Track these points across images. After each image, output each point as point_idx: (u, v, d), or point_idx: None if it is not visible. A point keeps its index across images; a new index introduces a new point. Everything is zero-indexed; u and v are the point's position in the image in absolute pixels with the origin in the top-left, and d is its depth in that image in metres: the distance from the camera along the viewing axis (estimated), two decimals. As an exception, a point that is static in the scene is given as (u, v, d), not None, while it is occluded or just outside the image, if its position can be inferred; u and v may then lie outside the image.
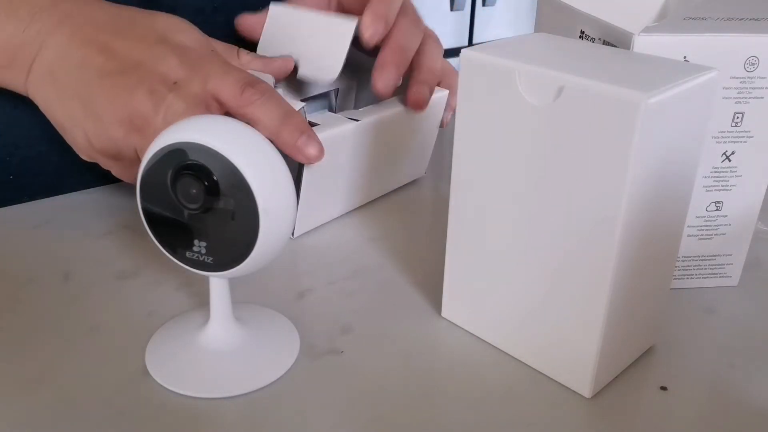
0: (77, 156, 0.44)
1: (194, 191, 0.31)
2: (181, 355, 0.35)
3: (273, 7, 0.51)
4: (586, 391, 0.33)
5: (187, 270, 0.33)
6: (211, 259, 0.32)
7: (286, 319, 0.38)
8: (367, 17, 0.48)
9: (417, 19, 0.52)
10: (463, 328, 0.38)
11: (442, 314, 0.39)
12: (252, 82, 0.41)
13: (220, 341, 0.35)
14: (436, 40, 0.53)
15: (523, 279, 0.34)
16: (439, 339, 0.38)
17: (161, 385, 0.33)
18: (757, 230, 0.48)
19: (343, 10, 0.54)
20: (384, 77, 0.48)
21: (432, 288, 0.42)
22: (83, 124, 0.41)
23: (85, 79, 0.41)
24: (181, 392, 0.33)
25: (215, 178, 0.30)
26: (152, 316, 0.38)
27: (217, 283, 0.34)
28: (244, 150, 0.31)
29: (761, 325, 0.39)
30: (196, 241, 0.32)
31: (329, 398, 0.33)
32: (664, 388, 0.34)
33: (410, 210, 0.52)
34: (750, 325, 0.39)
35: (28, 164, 0.51)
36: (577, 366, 0.33)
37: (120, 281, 0.41)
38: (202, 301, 0.40)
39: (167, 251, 0.33)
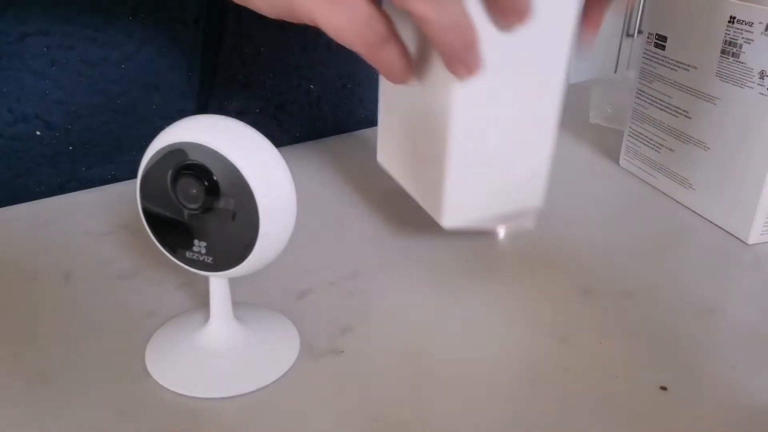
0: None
1: (194, 191, 0.31)
2: (181, 355, 0.35)
3: None
4: (442, 219, 0.37)
5: (187, 270, 0.33)
6: (211, 259, 0.32)
7: (286, 319, 0.38)
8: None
9: None
10: (462, 327, 0.38)
11: (378, 159, 0.43)
12: None
13: (220, 341, 0.35)
14: None
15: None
16: (439, 339, 0.38)
17: (161, 385, 0.33)
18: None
19: None
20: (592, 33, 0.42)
21: (433, 287, 0.42)
22: None
23: None
24: (181, 392, 0.33)
25: (215, 178, 0.30)
26: (152, 316, 0.38)
27: (217, 283, 0.34)
28: (244, 150, 0.30)
29: (761, 325, 0.39)
30: (196, 241, 0.32)
31: (329, 398, 0.33)
32: (664, 388, 0.35)
33: (410, 210, 0.52)
34: (750, 325, 0.39)
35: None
36: (436, 192, 0.36)
37: (120, 281, 0.41)
38: (202, 301, 0.40)
39: (167, 251, 0.33)
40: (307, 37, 0.61)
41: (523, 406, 0.33)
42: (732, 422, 0.33)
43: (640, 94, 0.57)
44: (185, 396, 0.33)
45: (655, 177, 0.56)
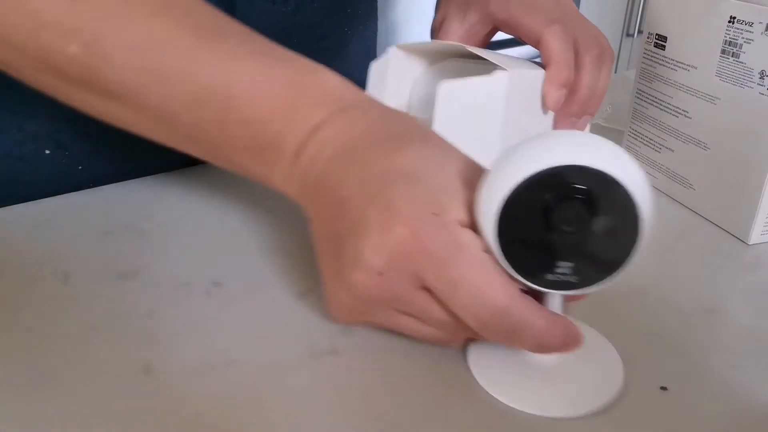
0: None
1: (574, 214, 0.30)
2: (508, 366, 0.34)
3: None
4: None
5: (539, 289, 0.32)
6: (576, 278, 0.31)
7: (608, 342, 0.37)
8: (550, 86, 0.47)
9: (600, 53, 0.49)
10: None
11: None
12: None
13: (546, 357, 0.34)
14: (612, 60, 0.50)
15: None
16: (439, 339, 0.38)
17: (487, 393, 0.33)
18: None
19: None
20: (568, 127, 0.49)
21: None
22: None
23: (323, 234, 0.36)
24: (508, 403, 0.33)
25: (599, 198, 0.29)
26: (152, 316, 0.38)
27: (555, 299, 0.33)
28: (625, 167, 0.30)
29: (761, 326, 0.39)
30: (561, 263, 0.31)
31: (329, 398, 0.33)
32: (664, 388, 0.34)
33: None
34: (750, 326, 0.39)
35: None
36: None
37: (120, 281, 0.41)
38: (202, 301, 0.40)
39: (521, 276, 0.31)
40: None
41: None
42: (732, 422, 0.33)
43: (640, 94, 0.57)
44: (515, 409, 0.33)
45: (655, 177, 0.56)
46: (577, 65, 0.48)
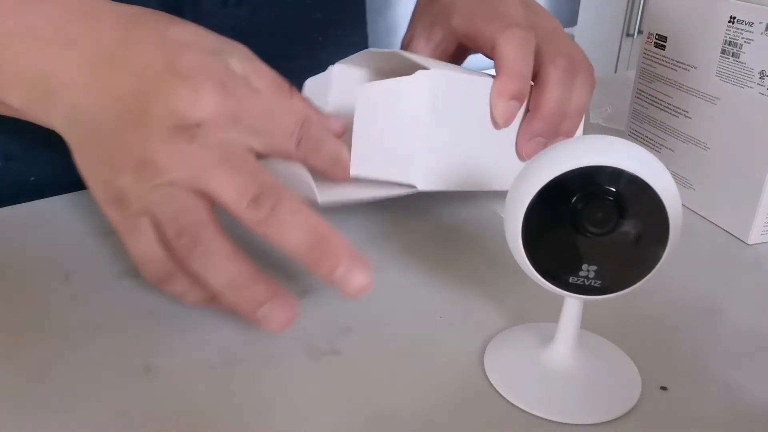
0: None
1: (601, 215, 0.29)
2: (521, 369, 0.35)
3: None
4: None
5: (556, 292, 0.32)
6: (599, 283, 0.31)
7: (621, 351, 0.37)
8: (497, 97, 0.42)
9: (569, 66, 0.44)
10: (462, 329, 0.38)
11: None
12: (262, 192, 0.33)
13: (566, 363, 0.34)
14: (589, 76, 0.46)
15: None
16: (439, 339, 0.38)
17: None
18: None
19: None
20: (531, 149, 0.44)
21: (432, 288, 0.42)
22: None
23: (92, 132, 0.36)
24: (522, 407, 0.33)
25: (629, 200, 0.29)
26: (152, 316, 0.38)
27: (575, 304, 0.33)
28: (656, 172, 0.30)
29: (761, 326, 0.39)
30: (585, 266, 0.31)
31: (329, 398, 0.33)
32: (664, 388, 0.35)
33: (410, 209, 0.52)
34: (750, 326, 0.39)
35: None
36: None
37: (120, 281, 0.41)
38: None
39: (543, 277, 0.31)
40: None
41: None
42: (732, 422, 0.33)
43: (640, 94, 0.57)
44: (524, 411, 0.32)
45: (655, 177, 0.56)
46: (541, 77, 0.43)
